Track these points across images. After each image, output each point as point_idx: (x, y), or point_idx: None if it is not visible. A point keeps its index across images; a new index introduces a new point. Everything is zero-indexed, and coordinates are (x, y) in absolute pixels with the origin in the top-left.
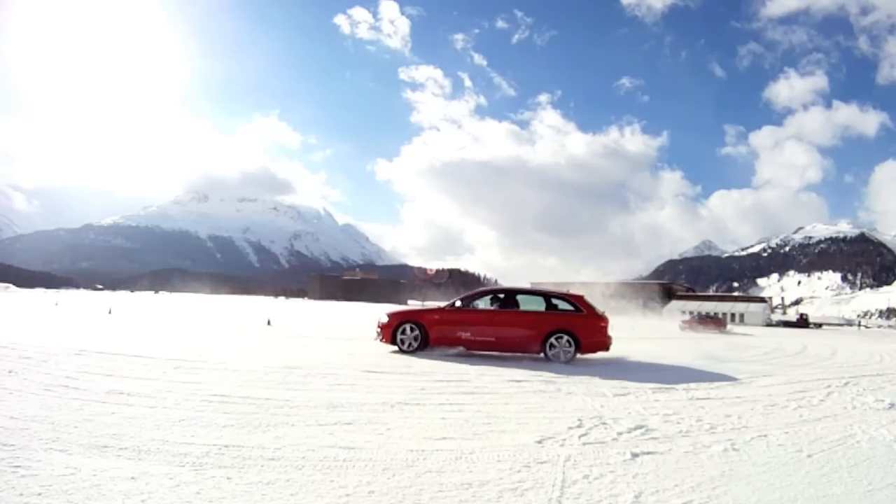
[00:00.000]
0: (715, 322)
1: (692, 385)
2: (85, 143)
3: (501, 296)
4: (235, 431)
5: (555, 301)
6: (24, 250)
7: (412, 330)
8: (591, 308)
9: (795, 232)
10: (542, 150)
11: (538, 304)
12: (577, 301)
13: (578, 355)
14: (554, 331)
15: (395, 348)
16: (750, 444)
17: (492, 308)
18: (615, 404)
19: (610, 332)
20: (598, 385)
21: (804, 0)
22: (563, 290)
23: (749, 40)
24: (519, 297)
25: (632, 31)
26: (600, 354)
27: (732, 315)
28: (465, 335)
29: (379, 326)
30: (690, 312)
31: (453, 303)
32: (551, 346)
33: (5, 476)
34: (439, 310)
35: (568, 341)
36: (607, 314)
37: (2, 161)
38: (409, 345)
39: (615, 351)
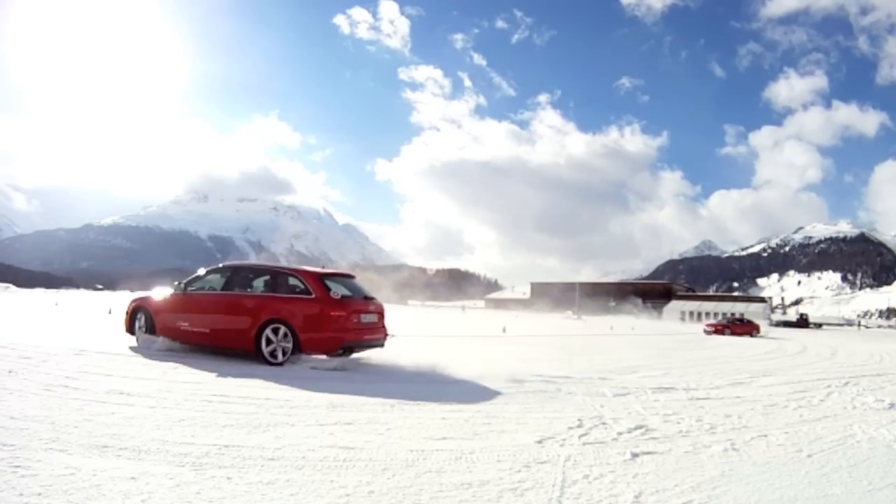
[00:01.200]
0: (746, 327)
1: None
2: (85, 143)
3: (234, 275)
4: (235, 431)
5: (282, 280)
6: (24, 250)
7: (144, 319)
8: (323, 290)
9: (795, 232)
10: (541, 150)
11: (263, 285)
12: (307, 279)
13: (303, 356)
14: (270, 321)
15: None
16: (750, 444)
17: (213, 291)
18: (615, 404)
19: (358, 323)
20: (598, 385)
21: (804, 0)
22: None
23: (749, 40)
24: (247, 277)
25: (632, 31)
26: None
27: (723, 315)
28: (184, 325)
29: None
30: (716, 314)
31: (181, 283)
32: (268, 341)
33: (5, 476)
34: (172, 294)
35: (286, 335)
36: (377, 300)
37: (2, 161)
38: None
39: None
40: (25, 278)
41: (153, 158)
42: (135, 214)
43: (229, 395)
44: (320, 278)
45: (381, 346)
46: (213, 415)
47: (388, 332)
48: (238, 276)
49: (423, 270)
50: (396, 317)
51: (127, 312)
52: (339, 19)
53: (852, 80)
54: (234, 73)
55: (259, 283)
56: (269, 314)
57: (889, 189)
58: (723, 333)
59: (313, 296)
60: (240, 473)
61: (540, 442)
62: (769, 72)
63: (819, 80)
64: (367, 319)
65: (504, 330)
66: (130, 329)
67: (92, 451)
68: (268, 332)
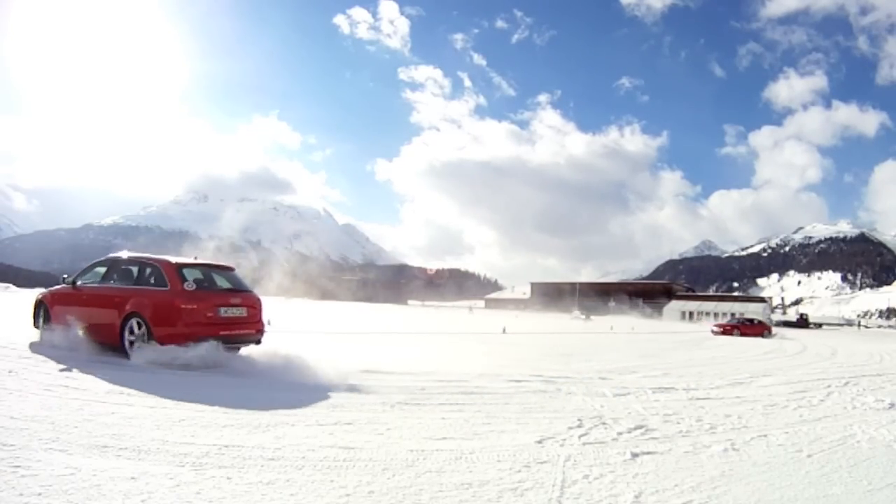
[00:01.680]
0: (757, 328)
1: None
2: (85, 143)
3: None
4: (235, 431)
5: (146, 272)
6: (24, 250)
7: (43, 314)
8: (178, 281)
9: (795, 232)
10: (541, 150)
11: (132, 277)
12: (165, 270)
13: (160, 348)
14: (131, 314)
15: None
16: (750, 444)
17: (93, 285)
18: (615, 404)
19: (215, 317)
20: (598, 385)
21: (804, 0)
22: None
23: (749, 40)
24: (125, 269)
25: (632, 31)
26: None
27: (732, 315)
28: (71, 319)
29: None
30: (725, 315)
31: (69, 276)
32: (130, 335)
33: (5, 476)
34: (64, 287)
35: (142, 329)
36: (251, 293)
37: (2, 161)
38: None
39: None
40: (25, 278)
41: (153, 158)
42: (135, 214)
43: None
44: (177, 269)
45: (257, 342)
46: (213, 415)
47: (265, 327)
48: (116, 268)
49: (423, 270)
50: (396, 318)
51: (34, 306)
52: (339, 19)
53: (852, 80)
54: (234, 73)
55: (130, 276)
56: (131, 307)
57: (889, 189)
58: (731, 334)
59: (167, 287)
60: (240, 473)
61: (540, 442)
62: (769, 72)
63: (819, 80)
64: (231, 313)
65: (504, 330)
66: (36, 324)
67: (92, 451)
68: (129, 325)
